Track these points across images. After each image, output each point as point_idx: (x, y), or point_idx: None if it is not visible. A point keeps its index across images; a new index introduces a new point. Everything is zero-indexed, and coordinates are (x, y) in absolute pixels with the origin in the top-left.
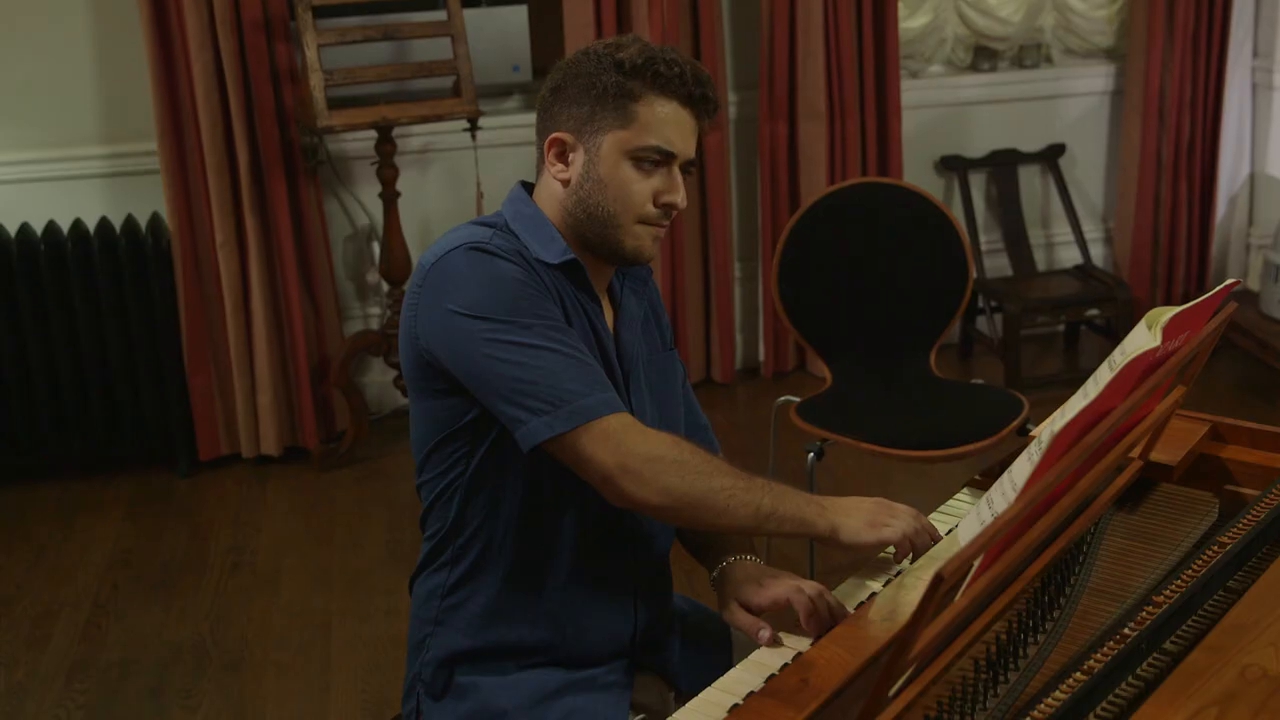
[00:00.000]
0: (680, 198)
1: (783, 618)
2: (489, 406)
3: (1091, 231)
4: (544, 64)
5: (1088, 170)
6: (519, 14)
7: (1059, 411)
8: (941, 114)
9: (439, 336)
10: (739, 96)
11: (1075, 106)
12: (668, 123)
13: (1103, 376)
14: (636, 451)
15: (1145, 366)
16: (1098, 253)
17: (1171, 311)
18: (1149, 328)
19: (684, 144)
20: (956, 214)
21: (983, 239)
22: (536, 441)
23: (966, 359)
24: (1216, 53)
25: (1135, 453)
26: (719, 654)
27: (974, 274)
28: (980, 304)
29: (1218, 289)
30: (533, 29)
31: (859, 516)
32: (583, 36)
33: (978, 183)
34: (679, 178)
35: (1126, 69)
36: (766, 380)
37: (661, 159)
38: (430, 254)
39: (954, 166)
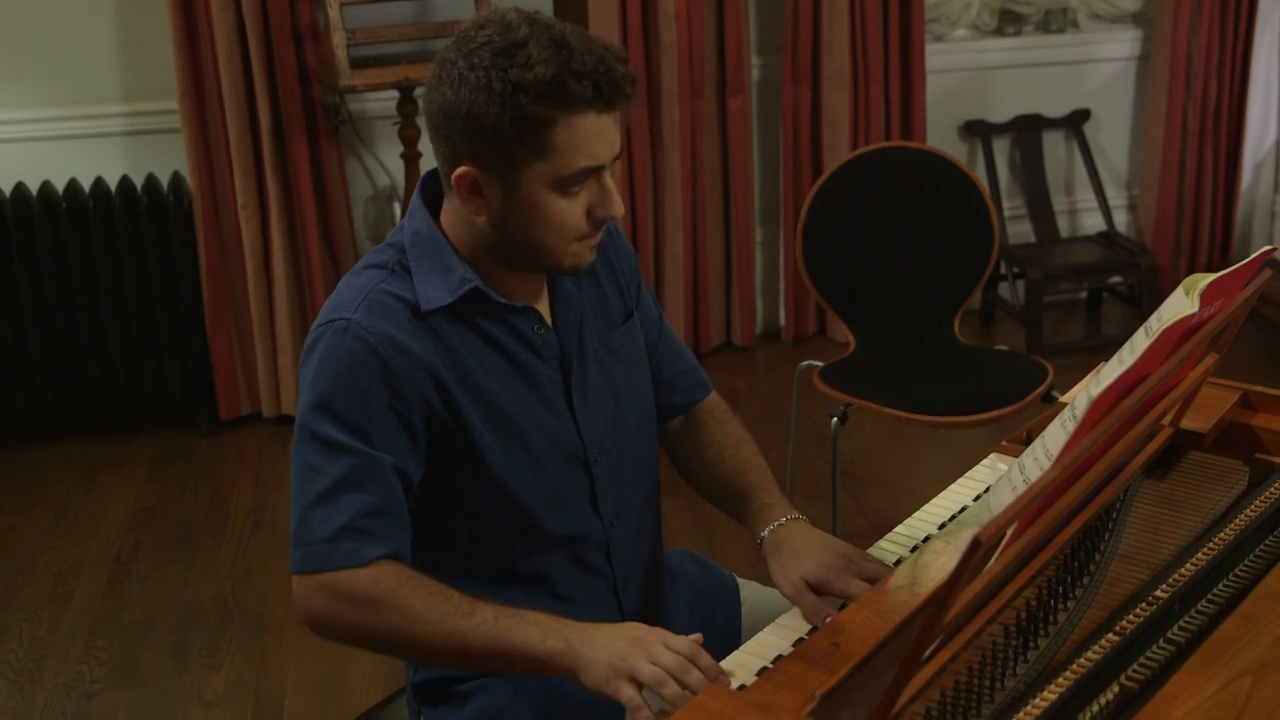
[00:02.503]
0: (615, 208)
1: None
2: None
3: (1116, 198)
4: (567, 18)
5: (1113, 136)
6: None
7: (1094, 377)
8: (966, 78)
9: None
10: (762, 60)
11: (1101, 72)
12: (589, 138)
13: (1139, 343)
14: (338, 614)
15: (1181, 333)
16: (1121, 220)
17: (1209, 278)
18: (1186, 294)
19: (610, 149)
20: (980, 179)
21: (1006, 205)
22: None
23: (989, 325)
24: (1245, 18)
25: (1166, 420)
26: (729, 620)
27: (999, 240)
28: (1003, 270)
29: (1254, 256)
30: None
31: (598, 670)
32: None
33: (1002, 148)
34: (609, 183)
35: (1154, 34)
36: (787, 345)
37: (590, 175)
38: (318, 316)
39: (978, 131)
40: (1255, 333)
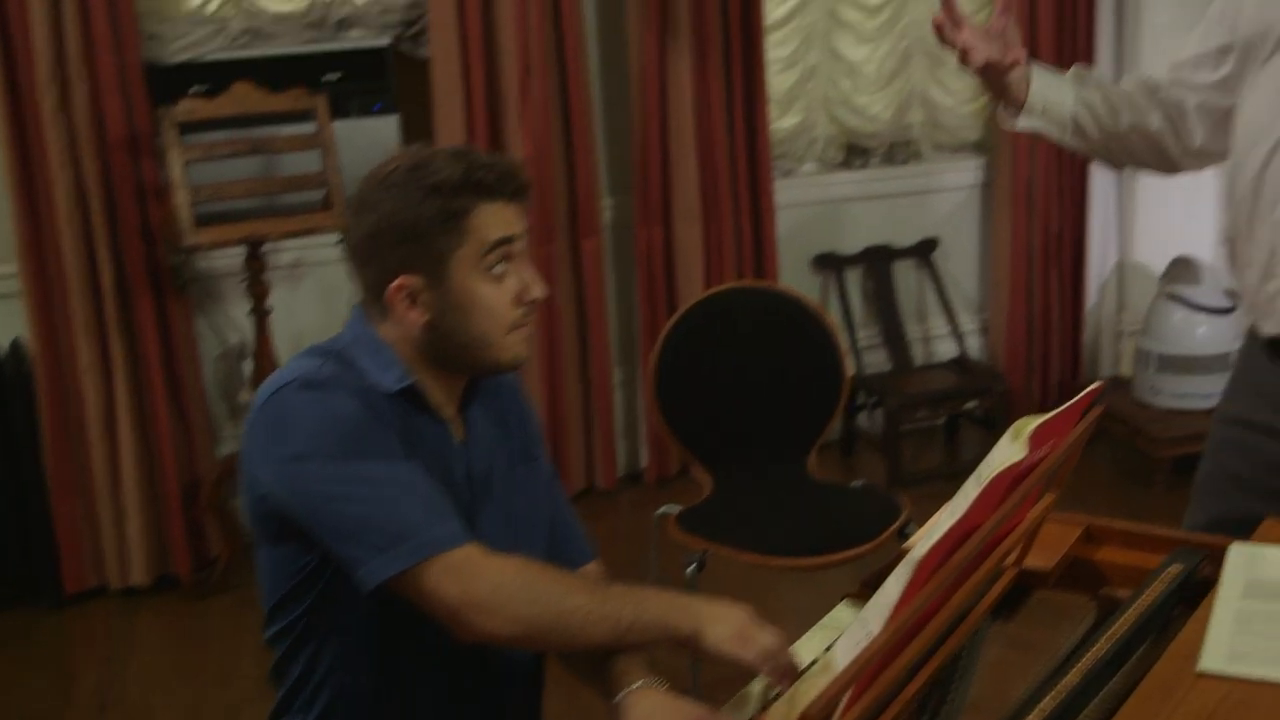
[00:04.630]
0: (540, 289)
1: None
2: (331, 549)
3: (967, 324)
4: None
5: (961, 263)
6: (390, 124)
7: (928, 528)
8: (816, 212)
9: (277, 482)
10: (614, 201)
11: (946, 200)
12: (500, 217)
13: (970, 491)
14: (481, 582)
15: (1011, 480)
16: (974, 344)
17: (1037, 421)
18: (1014, 439)
19: (520, 225)
20: (833, 311)
21: (860, 335)
22: (377, 581)
23: (849, 455)
24: None
25: (1010, 560)
26: None
27: (848, 374)
28: (860, 400)
29: (1083, 394)
30: (405, 139)
31: (726, 626)
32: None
33: (854, 279)
34: (529, 265)
35: (994, 162)
36: (650, 486)
37: (506, 250)
38: (263, 390)
39: (830, 264)
40: (1108, 451)
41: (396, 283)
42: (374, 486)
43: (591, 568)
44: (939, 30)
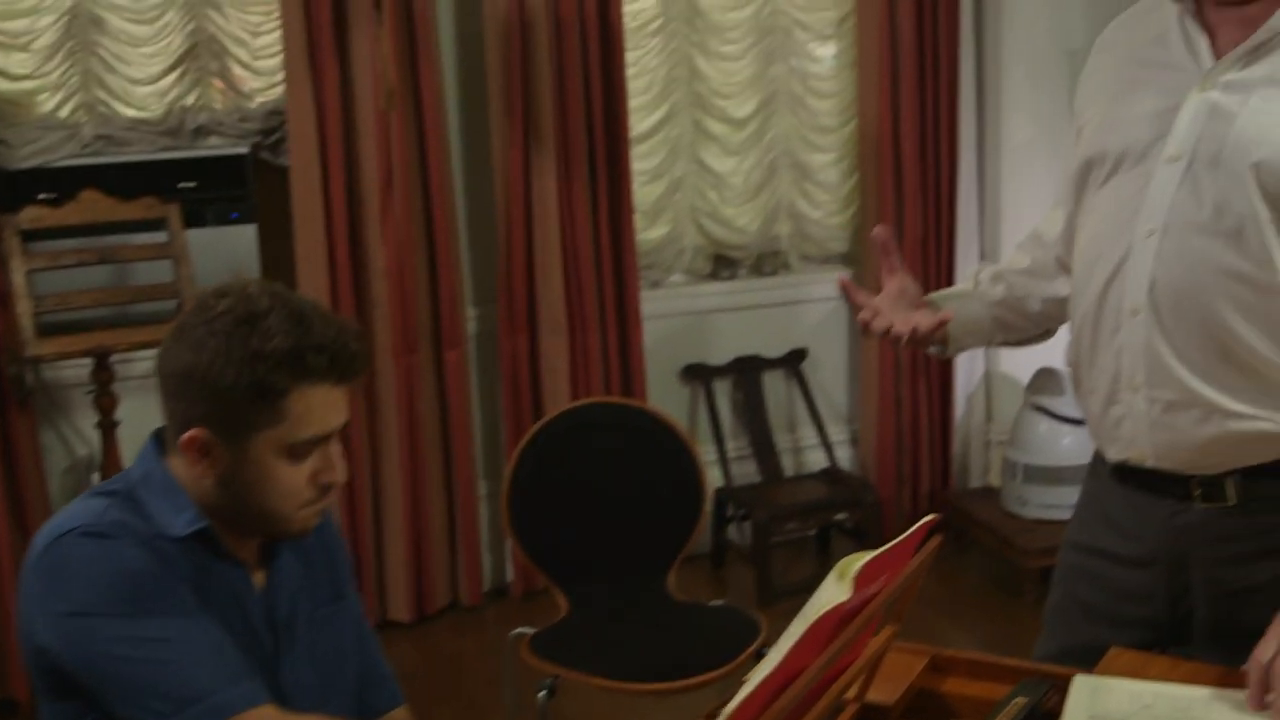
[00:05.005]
0: (339, 474)
1: None
2: (115, 712)
3: (837, 434)
4: (276, 275)
5: (830, 373)
6: (248, 233)
7: (758, 668)
8: (684, 323)
9: (57, 639)
10: (478, 311)
11: (815, 311)
12: (321, 408)
13: (795, 631)
14: None
15: (837, 620)
16: (845, 455)
17: (865, 559)
18: (839, 579)
19: (340, 418)
20: (702, 422)
21: (730, 446)
22: None
23: (719, 568)
24: (946, 256)
25: (850, 695)
26: None
27: (709, 490)
28: (730, 512)
29: (916, 527)
30: (263, 248)
31: None
32: (315, 256)
33: (723, 390)
34: (336, 450)
35: (862, 273)
36: (516, 601)
37: (318, 443)
38: (42, 536)
39: (698, 374)
40: (978, 561)
41: (192, 433)
42: (161, 646)
43: (400, 714)
44: (864, 327)
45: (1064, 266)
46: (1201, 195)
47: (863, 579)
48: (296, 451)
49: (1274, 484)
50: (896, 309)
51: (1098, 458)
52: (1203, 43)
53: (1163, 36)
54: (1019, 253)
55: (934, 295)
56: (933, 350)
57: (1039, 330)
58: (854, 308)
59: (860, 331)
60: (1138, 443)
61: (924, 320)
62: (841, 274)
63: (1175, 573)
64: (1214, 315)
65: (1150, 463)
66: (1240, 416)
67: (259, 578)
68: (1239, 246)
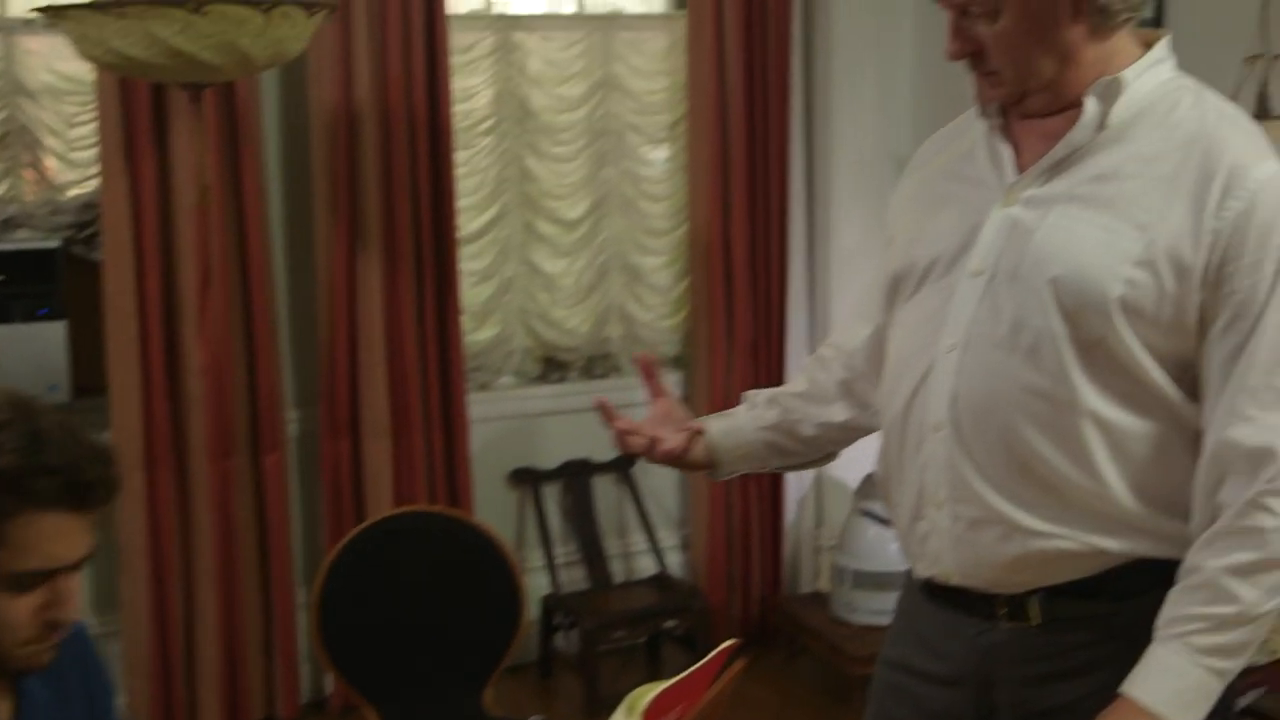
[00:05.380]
0: (70, 612)
1: None
2: None
3: (667, 540)
4: (85, 383)
5: (661, 478)
6: (57, 330)
7: None
8: (513, 426)
9: None
10: (300, 414)
11: (645, 415)
12: (49, 538)
13: None
14: None
15: None
16: (675, 561)
17: (657, 690)
18: (629, 711)
19: (72, 551)
20: (530, 528)
21: (558, 552)
22: None
23: (547, 678)
24: (776, 360)
25: None
26: None
27: (526, 603)
28: (558, 620)
29: (714, 653)
30: (72, 346)
31: None
32: (127, 354)
33: (552, 494)
34: (69, 587)
35: (693, 377)
36: (335, 715)
37: (44, 578)
38: None
39: (527, 479)
40: (808, 667)
41: None
42: None
43: None
44: (621, 445)
45: (848, 389)
46: (1001, 310)
47: (653, 712)
48: (19, 582)
49: (1076, 604)
50: (661, 429)
51: (909, 573)
52: (1007, 158)
53: (971, 152)
54: (800, 375)
55: (705, 418)
56: (707, 474)
57: (817, 454)
58: (612, 429)
59: (618, 448)
60: (943, 560)
61: (675, 439)
62: (600, 397)
63: (982, 693)
64: (1013, 431)
65: (955, 580)
66: (1041, 535)
67: (5, 707)
68: (1036, 363)
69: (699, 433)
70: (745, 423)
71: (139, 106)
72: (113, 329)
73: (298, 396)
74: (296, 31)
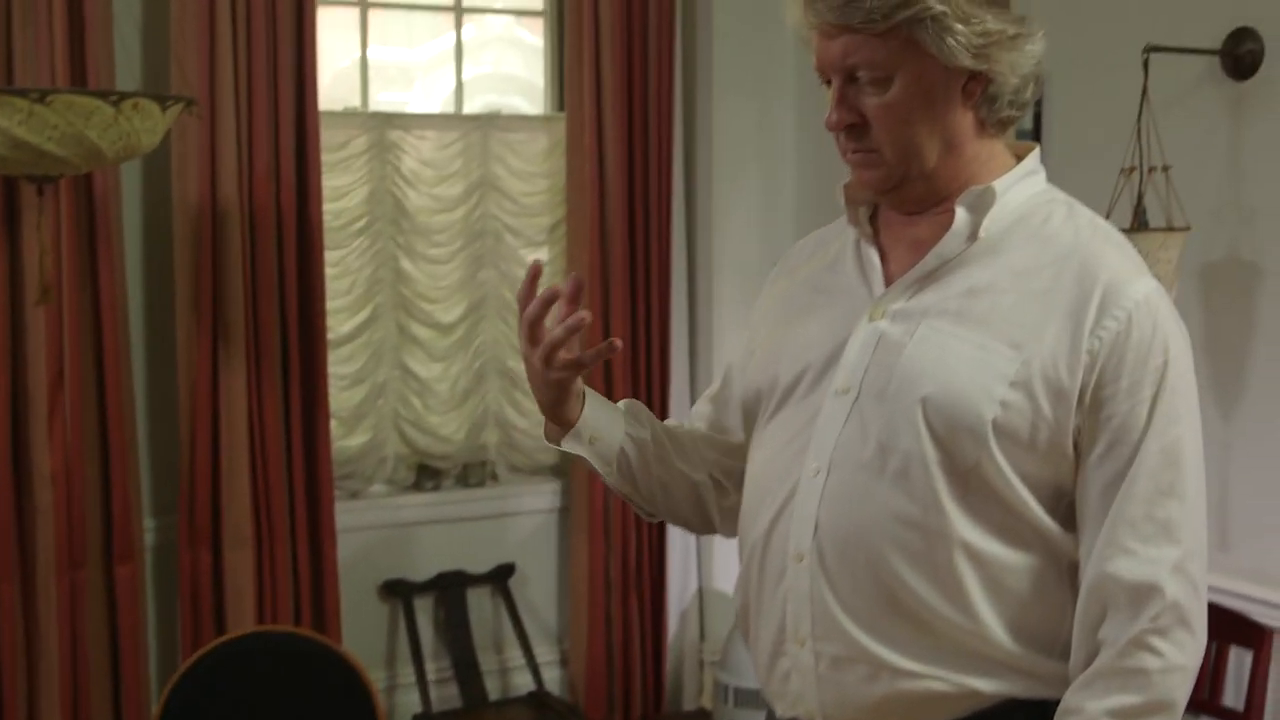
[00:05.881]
0: None
1: None
2: None
3: (546, 654)
4: None
5: (540, 590)
6: None
7: None
8: (384, 535)
9: None
10: (157, 522)
11: (523, 525)
12: None
13: None
14: None
15: None
16: (553, 676)
17: None
18: None
19: None
20: (401, 643)
21: (430, 668)
22: None
23: None
24: None
25: None
26: None
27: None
28: None
29: None
30: None
31: None
32: None
33: (425, 606)
34: None
35: (572, 487)
36: None
37: None
38: None
39: (398, 591)
40: None
41: None
42: None
43: None
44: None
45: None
46: (868, 431)
47: None
48: None
49: None
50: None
51: (770, 714)
52: (876, 268)
53: (838, 261)
54: (688, 421)
55: (588, 390)
56: (549, 428)
57: (652, 501)
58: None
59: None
60: (805, 700)
61: (575, 353)
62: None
63: None
64: (881, 563)
65: None
66: (910, 675)
67: None
68: (905, 488)
69: (581, 398)
70: (620, 421)
71: None
72: None
73: (155, 504)
74: (149, 124)
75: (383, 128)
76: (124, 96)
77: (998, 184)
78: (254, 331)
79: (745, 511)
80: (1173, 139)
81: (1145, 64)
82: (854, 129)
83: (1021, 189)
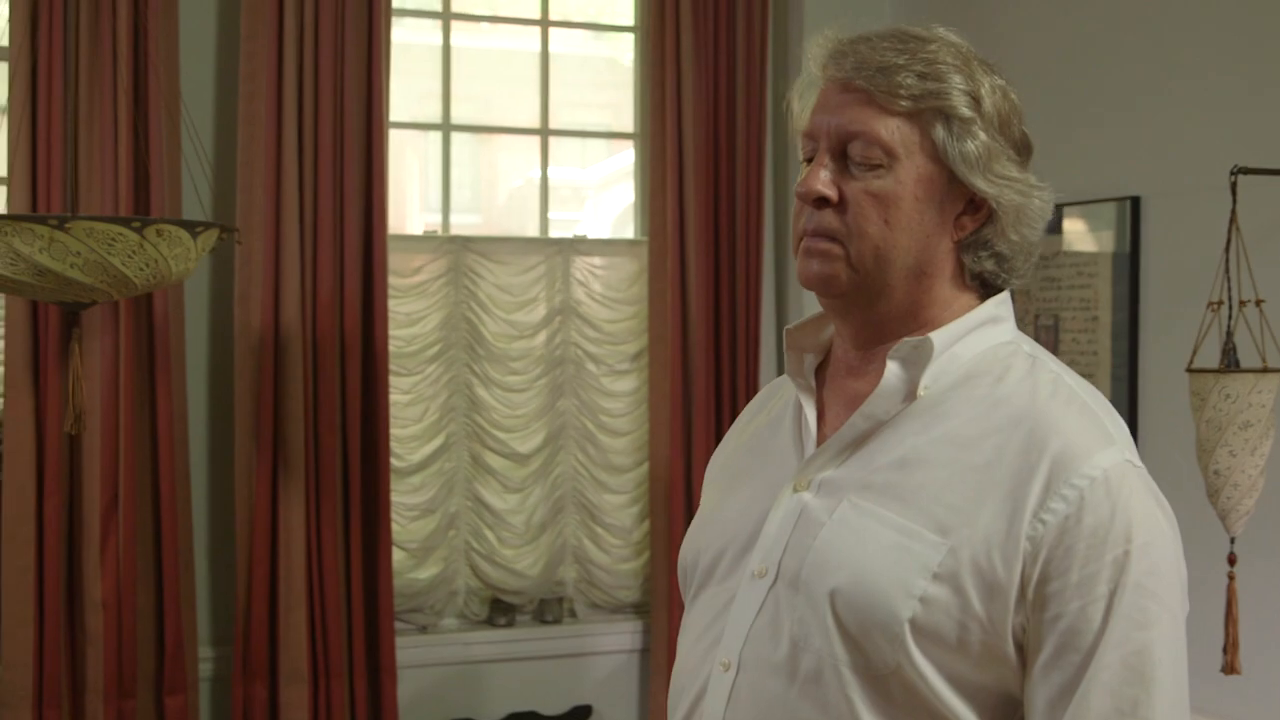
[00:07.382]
0: None
1: None
2: None
3: None
4: None
5: None
6: None
7: None
8: (454, 672)
9: None
10: (214, 653)
11: (602, 665)
12: None
13: None
14: None
15: None
16: None
17: None
18: None
19: None
20: None
21: None
22: None
23: None
24: None
25: None
26: None
27: None
28: None
29: None
30: None
31: None
32: (22, 583)
33: None
34: None
35: (654, 626)
36: None
37: None
38: None
39: None
40: None
41: None
42: None
43: None
44: None
45: None
46: (780, 625)
47: None
48: None
49: None
50: None
51: None
52: (810, 429)
53: (780, 418)
54: None
55: None
56: None
57: None
58: None
59: None
60: None
61: None
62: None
63: None
64: None
65: None
66: None
67: None
68: (817, 697)
69: None
70: None
71: (48, 321)
72: (8, 555)
73: (211, 634)
74: (179, 252)
75: (460, 251)
76: (147, 223)
77: (937, 335)
78: (315, 460)
79: (670, 702)
80: (1267, 269)
81: (1233, 187)
82: (825, 206)
83: (976, 340)
